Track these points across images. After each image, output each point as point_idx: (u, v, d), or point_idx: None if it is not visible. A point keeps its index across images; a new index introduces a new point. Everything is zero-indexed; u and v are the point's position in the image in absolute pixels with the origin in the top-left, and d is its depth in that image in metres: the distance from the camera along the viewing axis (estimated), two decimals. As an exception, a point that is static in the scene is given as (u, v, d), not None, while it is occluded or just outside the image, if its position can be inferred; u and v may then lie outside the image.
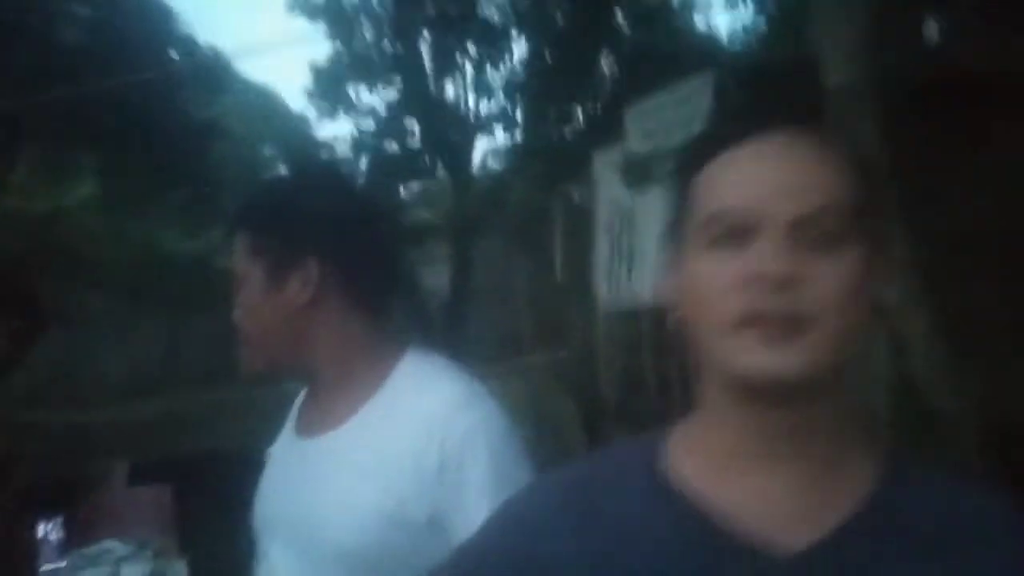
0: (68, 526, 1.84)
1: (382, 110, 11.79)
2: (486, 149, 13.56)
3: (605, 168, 4.56)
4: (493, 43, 10.72)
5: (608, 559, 0.62)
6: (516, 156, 10.79)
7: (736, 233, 0.60)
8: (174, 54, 11.25)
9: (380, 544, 0.96)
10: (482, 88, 11.31)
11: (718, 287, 0.59)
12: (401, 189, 11.70)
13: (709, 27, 10.67)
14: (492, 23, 10.46)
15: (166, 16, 10.84)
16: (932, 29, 3.33)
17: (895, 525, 0.61)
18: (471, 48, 11.00)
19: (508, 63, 10.99)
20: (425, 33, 10.91)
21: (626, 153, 4.29)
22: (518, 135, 11.06)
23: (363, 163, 11.37)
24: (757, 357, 0.57)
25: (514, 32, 10.48)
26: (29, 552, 1.60)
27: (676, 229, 0.65)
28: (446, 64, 11.10)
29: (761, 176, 0.60)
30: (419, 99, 11.15)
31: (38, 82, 8.29)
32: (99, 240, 11.61)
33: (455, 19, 10.34)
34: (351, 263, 1.07)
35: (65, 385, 8.80)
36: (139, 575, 1.79)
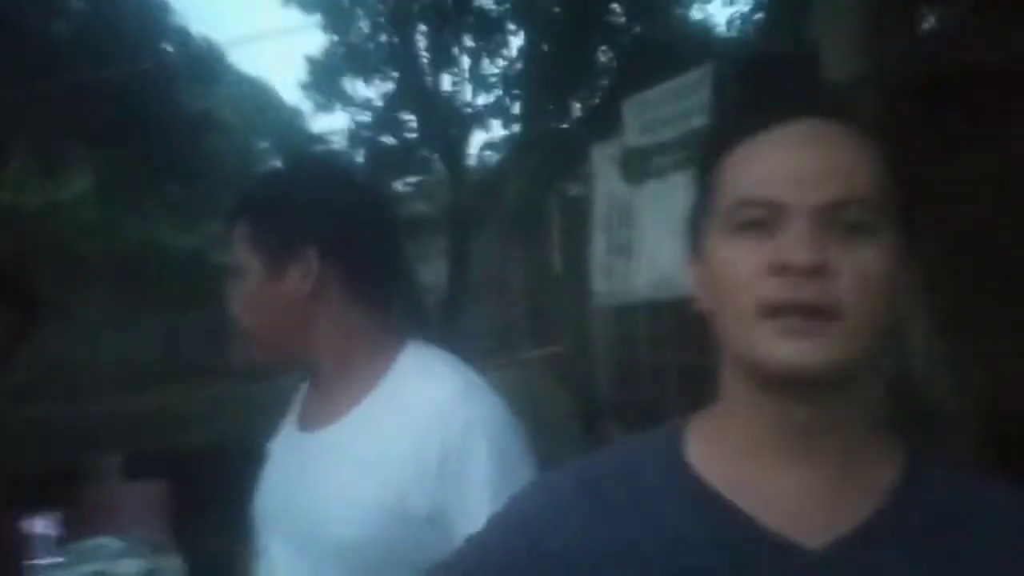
0: (65, 521, 1.83)
1: (378, 103, 11.75)
2: (483, 142, 13.55)
3: (603, 162, 4.55)
4: (490, 35, 10.67)
5: (627, 552, 0.61)
6: (513, 149, 10.76)
7: (762, 220, 0.59)
8: (168, 46, 11.18)
9: (380, 538, 0.95)
10: (479, 81, 11.27)
11: (743, 275, 0.59)
12: (397, 183, 11.66)
13: (707, 20, 10.65)
14: (489, 15, 10.41)
15: (160, 8, 10.77)
16: (932, 24, 3.32)
17: (918, 521, 0.60)
18: (468, 40, 10.96)
19: (505, 56, 10.97)
20: (421, 25, 10.86)
21: (624, 147, 4.28)
22: (515, 128, 11.02)
23: (359, 156, 11.33)
24: (781, 347, 0.57)
25: (511, 24, 10.44)
26: (17, 546, 1.59)
27: (700, 216, 0.64)
28: (442, 57, 11.05)
29: (789, 163, 0.59)
30: (415, 92, 11.10)
31: (31, 75, 8.23)
32: (93, 234, 11.56)
33: (451, 11, 10.29)
34: (352, 253, 1.06)
35: (60, 380, 8.77)
36: (135, 571, 1.78)
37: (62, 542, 1.80)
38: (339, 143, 12.02)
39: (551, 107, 9.64)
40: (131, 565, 1.78)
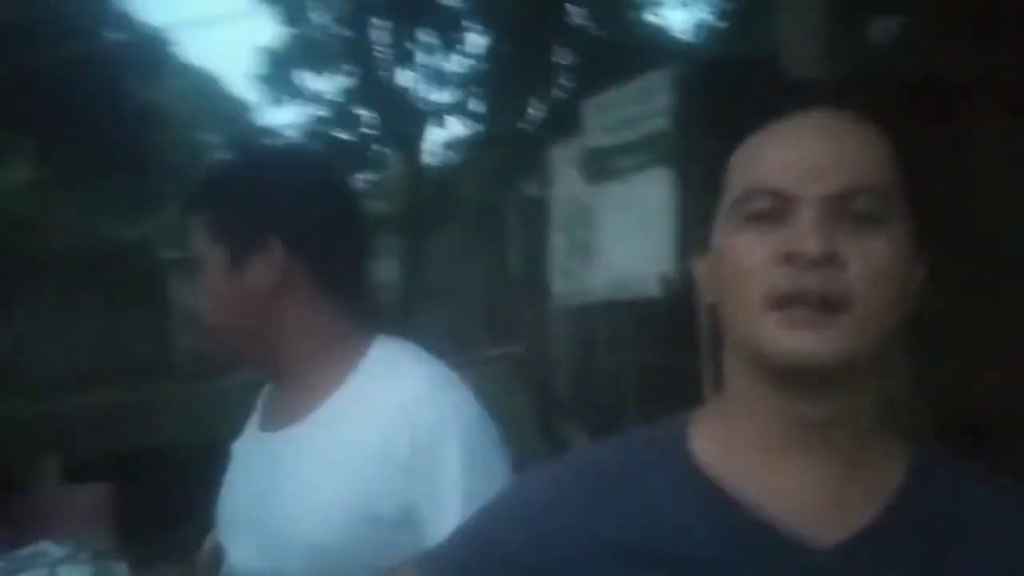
0: (7, 527, 1.72)
1: (332, 97, 11.59)
2: (440, 140, 13.50)
3: (562, 162, 4.55)
4: (448, 31, 10.63)
5: (631, 546, 0.60)
6: (471, 148, 10.74)
7: (771, 211, 0.58)
8: (110, 33, 10.86)
9: (348, 540, 0.92)
10: (437, 78, 11.22)
11: (751, 265, 0.58)
12: (352, 180, 11.52)
13: (668, 21, 10.80)
14: (448, 10, 10.35)
15: (102, -8, 10.47)
16: (895, 27, 3.39)
17: (927, 519, 0.60)
18: (425, 35, 10.89)
19: (464, 53, 10.94)
20: (377, 18, 10.75)
21: (584, 147, 4.28)
22: (473, 127, 11.01)
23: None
24: (788, 338, 0.56)
25: (470, 20, 10.40)
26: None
27: (708, 209, 0.64)
28: (400, 52, 10.96)
29: (797, 153, 0.59)
30: (372, 87, 10.99)
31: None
32: (33, 228, 11.18)
33: (409, 4, 10.20)
34: (318, 243, 1.01)
35: (-4, 377, 8.45)
36: (77, 579, 1.68)
37: (1, 547, 1.70)
38: (291, 138, 11.83)
39: (510, 106, 9.65)
40: (73, 572, 1.68)
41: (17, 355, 9.55)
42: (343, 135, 11.58)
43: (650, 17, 10.52)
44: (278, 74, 11.88)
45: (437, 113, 11.29)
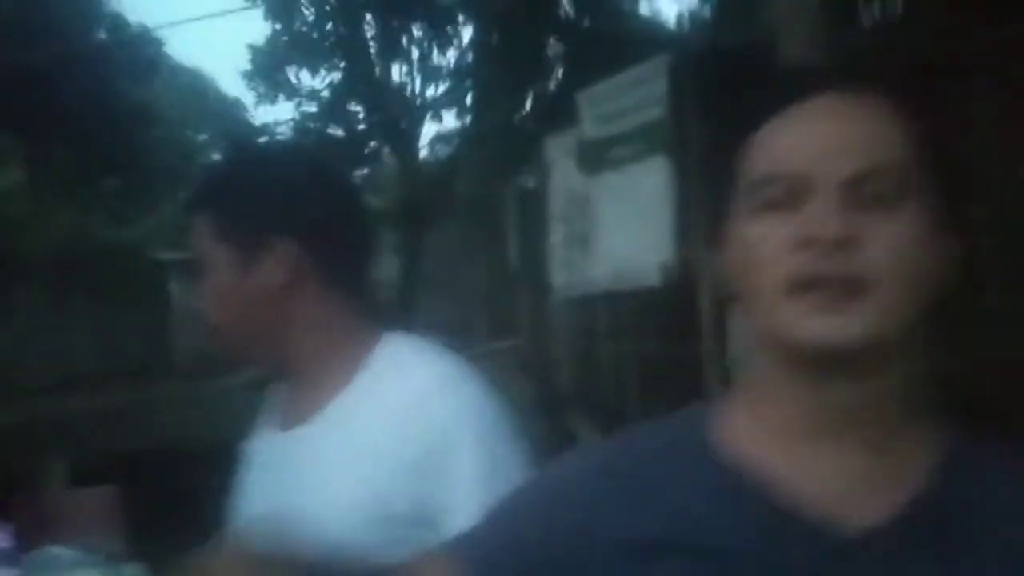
0: (14, 532, 1.72)
1: (325, 93, 11.53)
2: (435, 134, 13.43)
3: (558, 153, 4.54)
4: (440, 24, 10.57)
5: (660, 535, 0.60)
6: (466, 142, 10.69)
7: (788, 196, 0.58)
8: (102, 33, 10.80)
9: (363, 539, 0.90)
10: (429, 72, 11.16)
11: (770, 252, 0.57)
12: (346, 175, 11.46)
13: (661, 10, 10.74)
14: (439, 3, 10.28)
15: (93, -7, 10.40)
16: (889, 11, 3.38)
17: (960, 507, 0.59)
18: (418, 28, 10.83)
19: (456, 46, 10.89)
20: (369, 13, 10.68)
21: (580, 138, 4.27)
22: (468, 120, 10.96)
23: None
24: (810, 324, 0.55)
25: (462, 13, 10.34)
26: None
27: (726, 199, 0.63)
28: (392, 46, 10.90)
29: (812, 137, 0.59)
30: (364, 82, 10.93)
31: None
32: (26, 229, 11.12)
33: None
34: (326, 241, 1.00)
35: (-8, 381, 8.42)
36: (91, 583, 1.68)
37: (15, 554, 1.69)
38: (284, 135, 11.78)
39: (504, 99, 9.60)
40: (88, 575, 1.68)
41: (14, 359, 9.52)
42: (337, 131, 11.53)
43: (643, 6, 10.51)
44: (270, 71, 11.82)
45: (431, 107, 11.25)
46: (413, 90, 11.32)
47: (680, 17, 9.76)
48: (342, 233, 1.02)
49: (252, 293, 0.98)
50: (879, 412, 0.59)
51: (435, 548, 0.66)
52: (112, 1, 10.80)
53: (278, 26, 11.29)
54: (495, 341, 5.48)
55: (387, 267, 9.24)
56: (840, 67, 0.65)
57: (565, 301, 4.58)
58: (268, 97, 12.23)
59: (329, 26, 10.96)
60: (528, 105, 9.53)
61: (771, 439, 0.61)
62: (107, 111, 10.17)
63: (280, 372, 1.06)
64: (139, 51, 11.16)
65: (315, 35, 11.05)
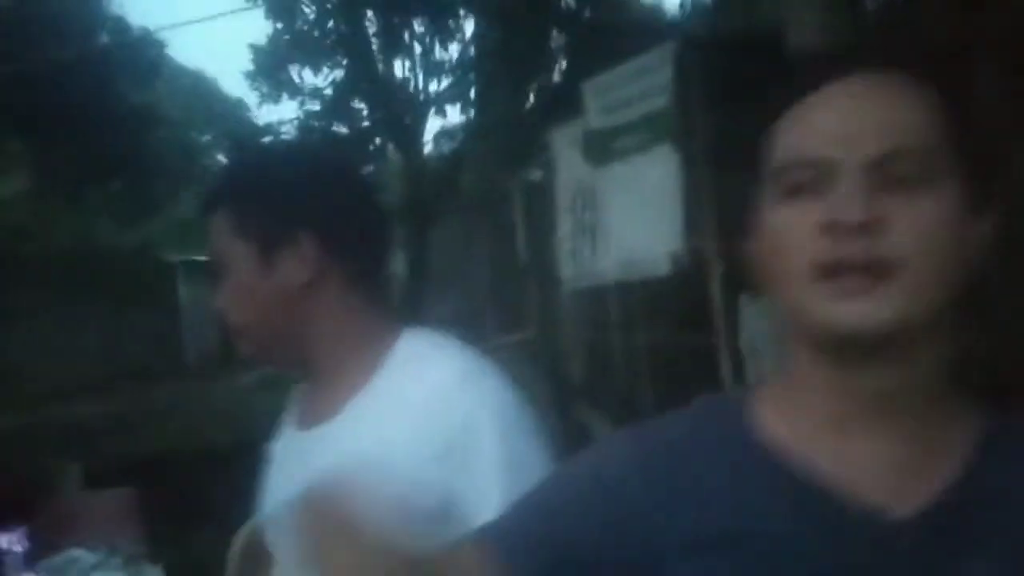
0: (30, 536, 1.72)
1: (328, 91, 11.51)
2: (439, 129, 13.41)
3: (564, 145, 4.52)
4: (442, 18, 10.52)
5: (701, 525, 0.59)
6: (471, 136, 10.66)
7: (813, 181, 0.57)
8: (105, 37, 10.80)
9: None
10: (432, 66, 11.12)
11: (795, 238, 0.57)
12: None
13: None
14: (440, -1, 10.23)
15: (94, -4, 10.40)
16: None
17: (1000, 490, 0.59)
18: (419, 23, 10.78)
19: (458, 40, 10.84)
20: (370, 9, 10.64)
21: (586, 129, 4.25)
22: (472, 114, 10.92)
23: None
24: (838, 309, 0.55)
25: (464, 7, 10.28)
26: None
27: (754, 188, 0.63)
28: (394, 42, 10.87)
29: (835, 121, 0.58)
30: (367, 79, 10.91)
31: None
32: (32, 233, 11.15)
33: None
34: (347, 238, 0.99)
35: (3, 385, 8.46)
36: (112, 584, 1.69)
37: (31, 558, 1.69)
38: (288, 134, 11.77)
39: (507, 92, 9.56)
40: (108, 578, 1.68)
41: (20, 363, 9.56)
42: (341, 129, 11.51)
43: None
44: (273, 70, 11.81)
45: (435, 103, 11.21)
46: (416, 86, 11.31)
47: (684, 4, 9.68)
48: (361, 229, 1.01)
49: (274, 291, 0.97)
50: (913, 397, 0.58)
51: (465, 536, 0.65)
52: (114, 4, 10.81)
53: (280, 25, 11.28)
54: (504, 335, 5.47)
55: (394, 263, 9.23)
56: (862, 48, 0.64)
57: (574, 293, 4.56)
58: (271, 97, 12.22)
59: (331, 24, 10.94)
60: (532, 97, 9.49)
61: (811, 426, 0.60)
62: (110, 114, 10.18)
63: (300, 371, 1.05)
64: (141, 53, 11.16)
65: (317, 33, 11.03)
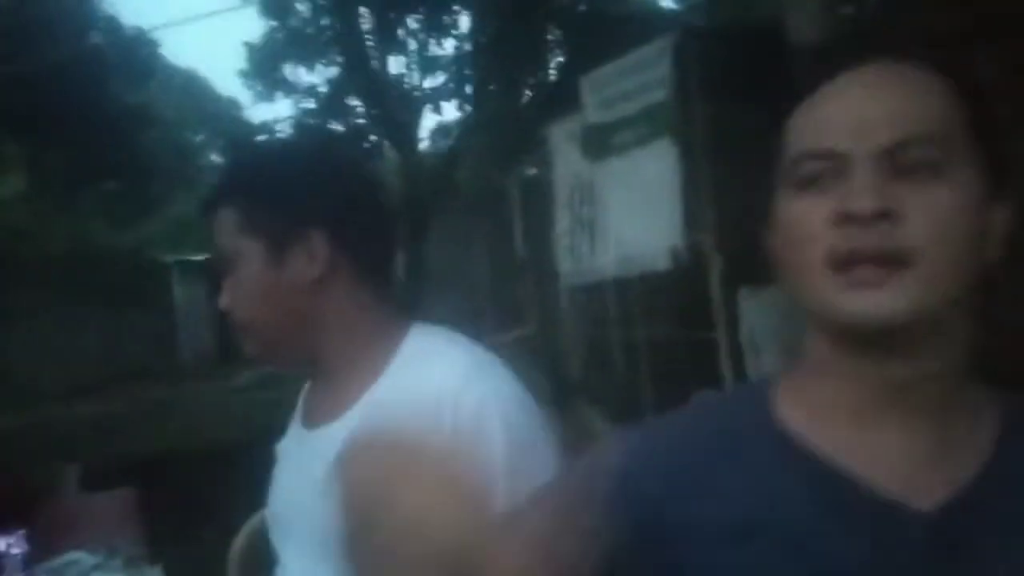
0: (29, 538, 1.70)
1: (323, 89, 11.49)
2: (435, 126, 13.39)
3: (562, 140, 4.50)
4: (438, 13, 10.49)
5: (730, 517, 0.59)
6: (469, 132, 10.64)
7: (825, 172, 0.57)
8: (97, 37, 10.76)
9: None
10: (427, 62, 11.10)
11: (810, 229, 0.57)
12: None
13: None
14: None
15: (86, -5, 10.36)
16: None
17: (1020, 479, 0.58)
18: (415, 19, 10.76)
19: (454, 35, 10.79)
20: (364, 6, 10.60)
21: (583, 123, 4.23)
22: (469, 109, 10.90)
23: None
24: (852, 300, 0.55)
25: (457, 4, 10.25)
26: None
27: (771, 179, 0.62)
28: (388, 38, 10.83)
29: (845, 111, 0.58)
30: (362, 76, 10.87)
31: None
32: (27, 235, 11.12)
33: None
34: (358, 234, 0.98)
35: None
36: (113, 586, 1.67)
37: (30, 561, 1.67)
38: (283, 132, 11.75)
39: (504, 87, 9.54)
40: (108, 580, 1.66)
41: (16, 364, 9.53)
42: (336, 126, 11.48)
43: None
44: (267, 69, 11.78)
45: (430, 99, 11.19)
46: (412, 82, 11.28)
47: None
48: (370, 224, 1.00)
49: (283, 288, 0.96)
50: (930, 388, 0.58)
51: (502, 518, 0.63)
52: (106, 4, 10.76)
53: (273, 23, 11.24)
54: (503, 331, 5.45)
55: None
56: (872, 38, 0.63)
57: (573, 289, 4.55)
58: (266, 95, 12.20)
59: (325, 21, 10.90)
60: (529, 92, 9.47)
61: (833, 416, 0.60)
62: (104, 114, 10.15)
63: (307, 368, 1.03)
64: (134, 53, 11.13)
65: (310, 30, 10.99)
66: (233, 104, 15.94)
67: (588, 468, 0.67)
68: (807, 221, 0.57)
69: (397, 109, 10.89)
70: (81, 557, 1.74)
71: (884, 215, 0.54)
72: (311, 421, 1.03)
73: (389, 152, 11.66)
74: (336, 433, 0.97)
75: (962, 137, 0.57)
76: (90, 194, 11.82)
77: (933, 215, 0.55)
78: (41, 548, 1.80)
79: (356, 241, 0.98)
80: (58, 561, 1.70)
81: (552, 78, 9.24)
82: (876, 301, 0.54)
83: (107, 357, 10.56)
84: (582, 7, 9.49)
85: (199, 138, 16.75)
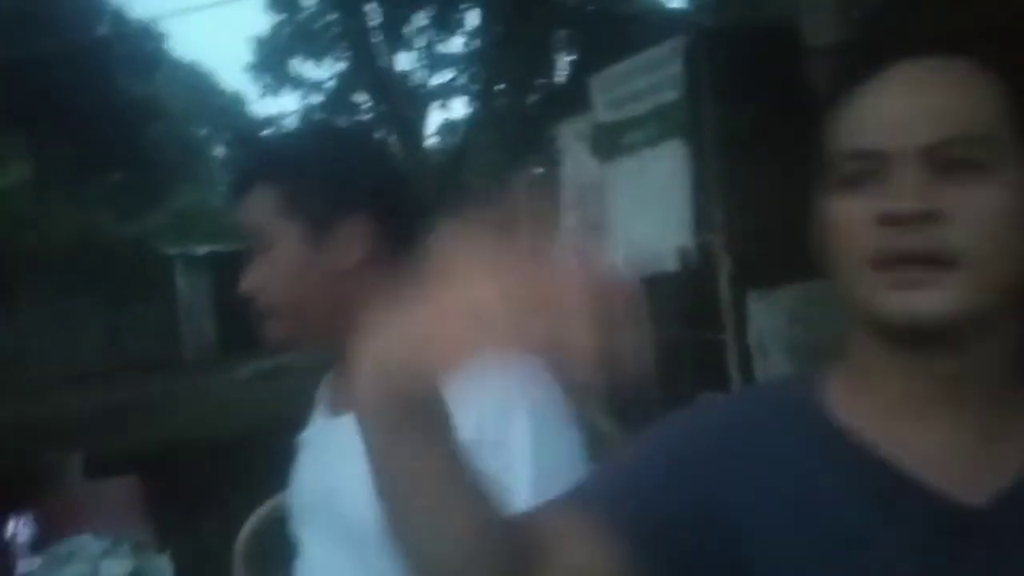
0: (37, 522, 1.69)
1: (330, 84, 11.48)
2: (442, 122, 13.39)
3: (572, 139, 4.49)
4: (446, 9, 10.47)
5: (777, 510, 0.58)
6: (474, 129, 10.62)
7: (867, 171, 0.56)
8: (104, 29, 10.77)
9: None
10: (435, 58, 11.10)
11: (853, 229, 0.57)
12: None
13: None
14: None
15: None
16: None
17: None
18: (423, 15, 10.75)
19: (463, 32, 10.78)
20: (372, 1, 10.59)
21: (593, 123, 4.22)
22: (476, 107, 10.89)
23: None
24: (896, 300, 0.54)
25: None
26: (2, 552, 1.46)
27: (817, 176, 0.62)
28: (397, 34, 10.83)
29: (888, 109, 0.57)
30: (369, 71, 10.87)
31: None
32: (32, 226, 11.13)
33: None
34: (398, 216, 0.97)
35: (4, 377, 8.44)
36: (120, 571, 1.66)
37: (36, 545, 1.67)
38: (289, 127, 11.74)
39: (512, 84, 9.53)
40: (116, 566, 1.65)
41: (20, 354, 9.54)
42: (342, 121, 11.47)
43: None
44: (274, 63, 11.78)
45: (437, 95, 11.19)
46: (420, 78, 11.28)
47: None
48: (406, 209, 0.99)
49: (322, 271, 0.94)
50: (977, 386, 0.58)
51: (555, 498, 0.63)
52: (112, -3, 10.76)
53: (281, 17, 11.24)
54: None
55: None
56: (915, 33, 0.62)
57: (580, 288, 4.53)
58: (272, 89, 12.20)
59: (333, 16, 10.90)
60: (538, 90, 9.45)
61: (883, 412, 0.60)
62: (110, 106, 10.17)
63: (338, 352, 1.01)
64: (141, 46, 11.14)
65: (318, 25, 10.99)
66: (239, 98, 15.95)
67: (643, 452, 0.67)
68: (849, 220, 0.57)
69: (404, 105, 10.89)
70: (88, 542, 1.73)
71: (927, 216, 0.53)
72: (339, 408, 1.01)
73: (396, 149, 11.67)
74: (353, 423, 0.96)
75: (1010, 136, 0.56)
76: (95, 186, 11.84)
77: (979, 216, 0.54)
78: (48, 533, 1.79)
79: (395, 226, 0.97)
80: (65, 546, 1.69)
81: (561, 77, 9.22)
82: (917, 301, 0.54)
83: (110, 348, 10.58)
84: (591, 6, 9.48)
85: (204, 131, 16.75)
